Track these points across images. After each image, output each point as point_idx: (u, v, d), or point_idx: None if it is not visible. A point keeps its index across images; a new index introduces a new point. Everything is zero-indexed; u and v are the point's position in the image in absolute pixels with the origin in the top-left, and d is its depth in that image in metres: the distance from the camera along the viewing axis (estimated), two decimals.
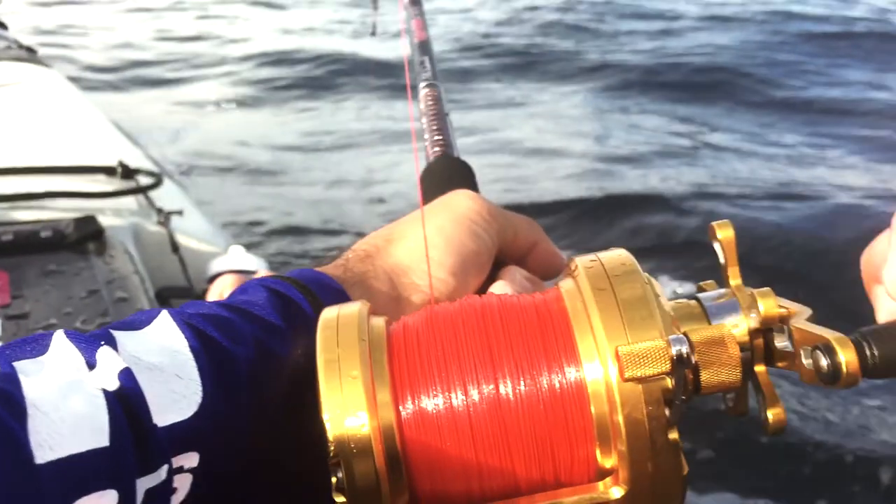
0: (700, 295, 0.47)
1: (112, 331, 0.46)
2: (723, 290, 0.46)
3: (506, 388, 0.41)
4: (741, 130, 5.64)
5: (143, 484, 0.40)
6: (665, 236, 4.15)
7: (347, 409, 0.40)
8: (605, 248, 0.46)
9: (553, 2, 9.11)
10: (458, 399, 0.41)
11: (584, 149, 5.42)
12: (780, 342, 0.43)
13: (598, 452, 0.41)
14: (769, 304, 0.42)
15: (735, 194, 4.61)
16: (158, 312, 0.48)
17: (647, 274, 0.45)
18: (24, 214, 1.71)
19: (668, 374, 0.38)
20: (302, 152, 5.58)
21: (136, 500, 0.40)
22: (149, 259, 1.73)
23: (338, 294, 0.55)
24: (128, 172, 2.06)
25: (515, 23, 8.45)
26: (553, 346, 0.42)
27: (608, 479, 0.42)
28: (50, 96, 2.91)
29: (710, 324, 0.44)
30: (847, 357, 0.37)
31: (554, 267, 0.66)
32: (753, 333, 0.44)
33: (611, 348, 0.39)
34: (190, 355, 0.45)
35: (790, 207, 4.43)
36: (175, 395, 0.44)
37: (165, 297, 1.66)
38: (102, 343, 0.44)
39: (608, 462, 0.41)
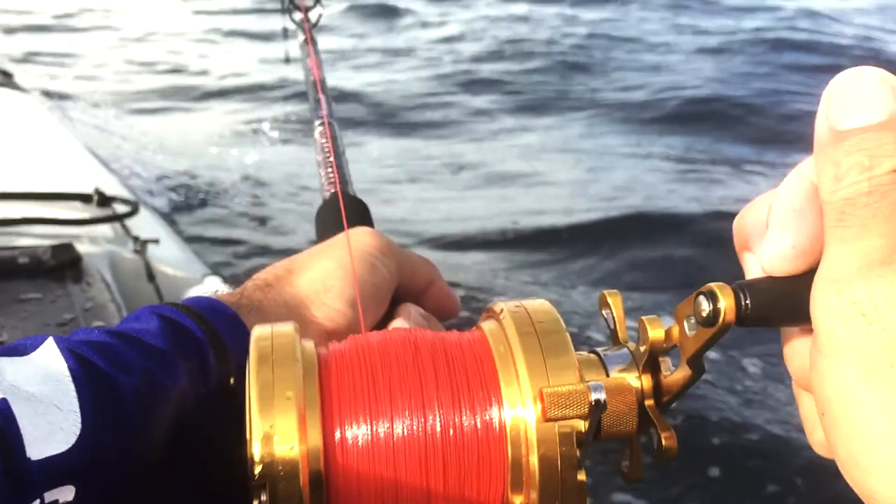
0: (598, 349, 0.50)
1: None
2: (615, 345, 0.50)
3: (432, 425, 0.42)
4: (743, 158, 5.73)
5: None
6: (671, 266, 4.14)
7: (279, 430, 0.40)
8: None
9: (539, 36, 9.23)
10: (385, 430, 0.41)
11: (584, 179, 5.48)
12: (666, 369, 0.46)
13: (509, 488, 0.43)
14: (656, 329, 0.44)
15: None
16: (44, 339, 0.48)
17: None
18: (0, 240, 1.71)
19: (584, 417, 0.41)
20: (282, 179, 5.59)
21: None
22: (125, 287, 1.73)
23: (233, 321, 0.55)
24: (104, 200, 2.06)
25: (499, 57, 8.52)
26: (478, 385, 0.43)
27: None
28: (25, 121, 2.90)
29: (608, 374, 0.47)
30: (726, 302, 0.39)
31: (448, 307, 0.69)
32: (643, 374, 0.47)
33: (533, 389, 0.41)
34: (71, 385, 0.45)
35: None
36: (52, 426, 0.42)
37: None
38: None
39: (518, 499, 0.43)
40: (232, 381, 0.52)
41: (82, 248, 1.71)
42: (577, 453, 0.41)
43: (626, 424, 0.44)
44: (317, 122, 0.88)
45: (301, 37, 1.16)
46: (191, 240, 3.15)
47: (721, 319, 0.39)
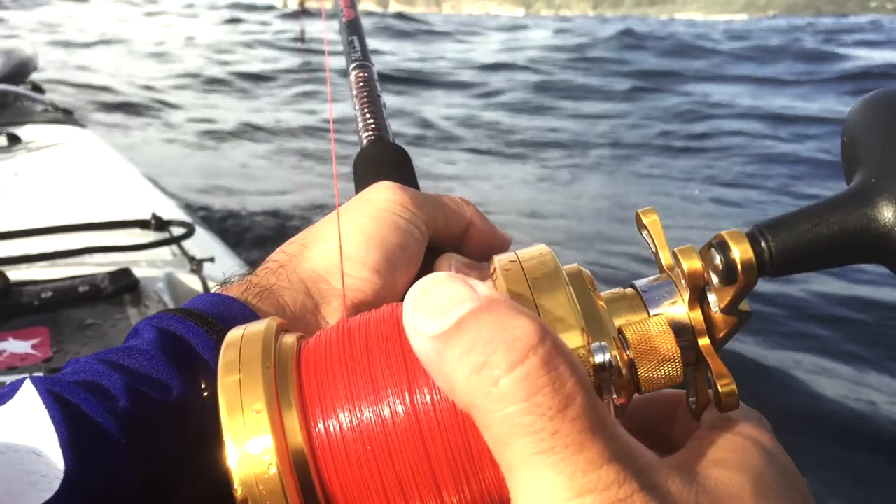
0: (637, 282, 0.44)
1: None
2: (659, 275, 0.44)
3: (423, 401, 0.37)
4: None
5: None
6: None
7: (253, 448, 0.36)
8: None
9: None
10: (371, 417, 0.37)
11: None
12: (715, 304, 0.40)
13: None
14: (692, 260, 0.39)
15: None
16: (21, 384, 0.45)
17: (576, 265, 0.42)
18: (64, 271, 1.78)
19: (591, 384, 0.34)
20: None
21: None
22: None
23: (241, 315, 0.51)
24: (161, 224, 2.13)
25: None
26: None
27: None
28: (86, 155, 3.02)
29: (648, 312, 0.42)
30: (741, 252, 0.34)
31: (492, 246, 0.62)
32: (691, 308, 0.41)
33: None
34: (51, 428, 0.42)
35: None
36: (32, 475, 0.40)
37: None
38: None
39: None
40: (205, 394, 0.48)
41: (141, 271, 1.78)
42: None
43: (668, 371, 0.38)
44: (351, 66, 0.80)
45: None
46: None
47: (738, 272, 0.34)
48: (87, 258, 1.89)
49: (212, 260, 1.99)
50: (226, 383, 0.38)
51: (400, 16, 29.95)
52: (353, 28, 0.86)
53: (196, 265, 1.92)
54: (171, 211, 2.41)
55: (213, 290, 0.55)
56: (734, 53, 16.87)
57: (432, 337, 0.33)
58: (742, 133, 8.81)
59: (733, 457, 0.36)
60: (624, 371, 0.38)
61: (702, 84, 12.45)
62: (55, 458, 0.41)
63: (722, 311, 0.39)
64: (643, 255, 4.46)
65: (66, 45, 14.84)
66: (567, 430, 0.31)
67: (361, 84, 0.77)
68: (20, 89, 3.73)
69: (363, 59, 0.80)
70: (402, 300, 0.51)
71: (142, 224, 2.14)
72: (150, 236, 2.09)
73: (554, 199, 6.47)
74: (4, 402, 0.43)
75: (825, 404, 3.12)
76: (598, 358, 0.36)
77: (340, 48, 0.85)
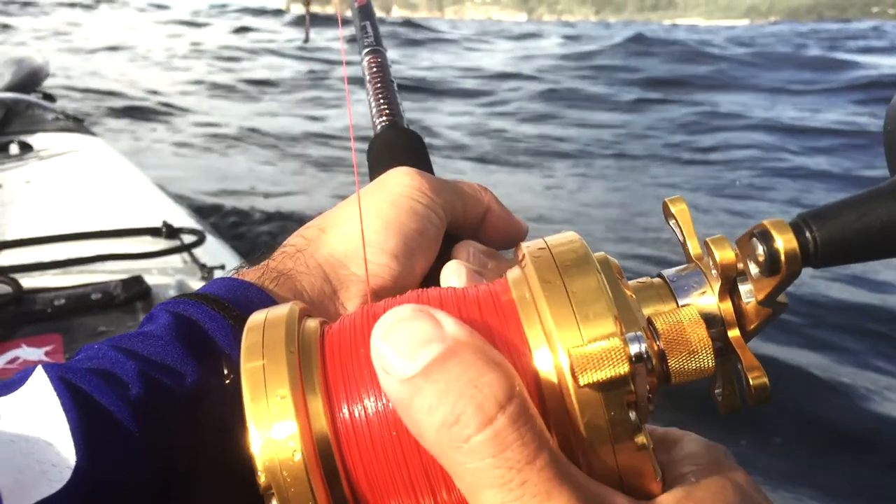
0: (664, 271, 0.43)
1: None
2: (687, 265, 0.43)
3: None
4: None
5: None
6: None
7: (277, 434, 0.35)
8: None
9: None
10: None
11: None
12: (746, 295, 0.40)
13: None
14: (724, 250, 0.38)
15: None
16: (33, 371, 0.44)
17: (603, 253, 0.41)
18: (77, 278, 1.80)
19: (627, 375, 0.34)
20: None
21: None
22: None
23: (258, 300, 0.50)
24: (172, 232, 2.15)
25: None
26: (501, 345, 0.36)
27: None
28: (97, 163, 3.04)
29: (676, 303, 0.41)
30: (785, 242, 0.34)
31: (510, 234, 0.62)
32: (721, 299, 0.40)
33: (564, 348, 0.35)
34: (62, 416, 0.41)
35: None
36: (43, 465, 0.39)
37: None
38: None
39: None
40: (227, 381, 0.47)
41: (152, 279, 1.79)
42: (631, 416, 0.34)
43: (699, 363, 0.37)
44: (364, 51, 0.79)
45: None
46: None
47: (781, 263, 0.34)
48: (98, 265, 1.90)
49: (222, 267, 2.01)
50: (249, 368, 0.37)
51: (407, 23, 30.07)
52: (365, 13, 0.85)
53: (207, 272, 1.94)
54: (181, 218, 2.43)
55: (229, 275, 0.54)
56: (739, 59, 16.86)
57: (400, 382, 0.32)
58: (751, 146, 8.77)
59: (711, 496, 0.37)
60: (654, 362, 0.37)
61: (709, 93, 12.43)
62: (66, 447, 0.40)
63: (759, 302, 0.39)
64: (653, 260, 4.46)
65: (76, 51, 14.94)
66: (535, 480, 0.32)
67: (375, 69, 0.76)
68: (31, 98, 3.76)
69: (376, 44, 0.79)
70: (421, 286, 0.51)
71: (153, 232, 2.16)
72: (161, 244, 2.11)
73: (560, 206, 6.47)
74: (16, 389, 0.43)
75: (847, 417, 3.11)
76: (634, 348, 0.34)
77: (348, 52, 0.85)
